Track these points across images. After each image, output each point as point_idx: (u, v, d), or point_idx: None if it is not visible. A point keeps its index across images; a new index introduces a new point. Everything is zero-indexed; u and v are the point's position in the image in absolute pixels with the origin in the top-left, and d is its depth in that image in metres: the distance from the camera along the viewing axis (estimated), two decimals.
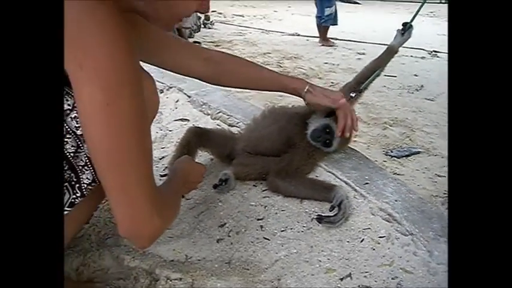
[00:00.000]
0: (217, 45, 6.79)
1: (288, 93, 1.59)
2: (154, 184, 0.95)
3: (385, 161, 3.20)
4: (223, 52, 1.62)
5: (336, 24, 7.09)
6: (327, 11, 6.92)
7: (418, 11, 1.94)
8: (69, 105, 0.92)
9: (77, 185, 0.97)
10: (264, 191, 1.61)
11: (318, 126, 1.58)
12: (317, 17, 7.00)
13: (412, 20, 1.94)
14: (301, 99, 1.56)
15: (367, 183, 1.57)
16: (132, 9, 0.99)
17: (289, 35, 7.90)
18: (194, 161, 1.46)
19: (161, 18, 1.03)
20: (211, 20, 8.32)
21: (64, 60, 0.81)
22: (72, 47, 0.80)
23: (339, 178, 1.61)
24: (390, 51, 1.93)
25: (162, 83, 2.72)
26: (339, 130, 1.55)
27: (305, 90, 1.53)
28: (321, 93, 1.55)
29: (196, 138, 1.72)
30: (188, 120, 2.27)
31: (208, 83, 1.56)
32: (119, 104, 0.84)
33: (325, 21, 6.98)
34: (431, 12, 11.21)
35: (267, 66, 5.83)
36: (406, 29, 1.91)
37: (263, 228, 1.43)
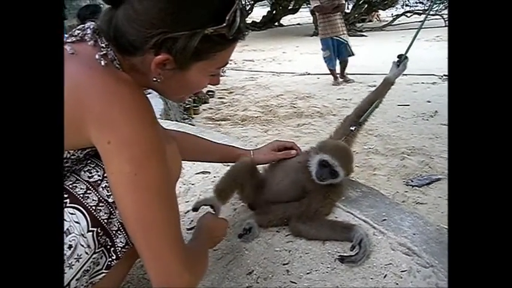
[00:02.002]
0: (230, 92, 6.98)
1: (231, 160, 1.82)
2: (183, 242, 1.02)
3: (406, 191, 3.22)
4: (181, 131, 1.78)
5: (352, 55, 7.27)
6: (324, 54, 7.23)
7: (412, 42, 1.92)
8: (99, 176, 1.01)
9: (112, 249, 1.04)
10: (287, 235, 1.66)
11: (316, 167, 1.62)
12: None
13: (407, 52, 1.93)
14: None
15: (384, 220, 1.61)
16: (146, 86, 1.08)
17: (300, 74, 8.07)
18: (217, 216, 1.53)
19: (175, 94, 1.14)
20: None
21: (93, 136, 0.92)
22: (97, 125, 0.90)
23: (357, 217, 1.66)
24: (386, 84, 1.92)
25: None
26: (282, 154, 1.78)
27: (251, 155, 1.78)
28: (262, 154, 1.80)
29: (245, 173, 1.75)
30: (209, 172, 2.35)
31: None
32: (146, 173, 0.92)
33: (327, 63, 7.32)
34: (438, 36, 11.31)
35: (281, 108, 5.97)
36: (402, 60, 1.90)
37: (289, 273, 1.47)
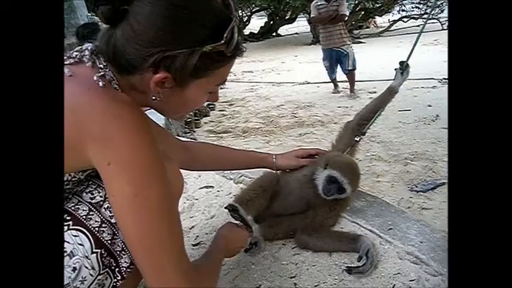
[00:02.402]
0: (231, 104, 6.99)
1: (260, 166, 1.81)
2: (187, 260, 1.01)
3: (411, 197, 3.20)
4: (200, 142, 1.80)
5: (354, 69, 6.76)
6: (324, 64, 7.02)
7: (412, 49, 1.95)
8: (101, 196, 1.01)
9: (117, 269, 1.03)
10: (293, 248, 1.65)
11: (323, 182, 1.60)
12: None
13: (408, 58, 1.94)
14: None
15: (391, 229, 1.61)
16: (145, 105, 1.08)
17: (300, 84, 8.07)
18: (237, 227, 1.50)
19: (174, 111, 1.14)
20: None
21: (92, 158, 0.91)
22: (97, 146, 0.89)
23: (363, 227, 1.65)
24: (391, 92, 1.92)
25: None
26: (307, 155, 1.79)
27: (273, 159, 1.76)
28: (286, 158, 1.79)
29: (273, 183, 1.75)
30: (213, 186, 2.35)
31: (185, 169, 1.61)
32: (147, 194, 0.92)
33: (327, 72, 7.05)
34: (435, 40, 11.33)
35: (282, 119, 5.94)
36: (404, 67, 1.91)
37: (297, 286, 1.46)
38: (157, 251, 0.95)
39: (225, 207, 1.60)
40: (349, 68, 6.67)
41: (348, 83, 6.98)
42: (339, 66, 6.84)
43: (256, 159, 1.78)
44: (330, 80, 7.20)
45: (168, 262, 0.95)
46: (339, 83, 7.19)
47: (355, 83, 6.93)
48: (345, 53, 6.63)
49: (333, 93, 7.12)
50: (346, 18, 6.79)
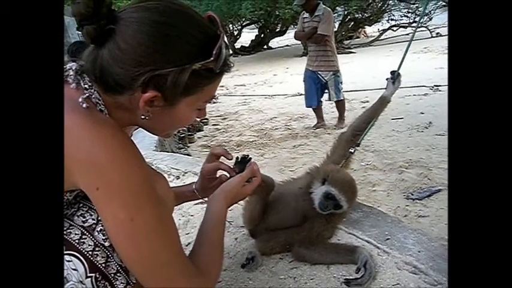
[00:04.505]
0: (224, 118, 7.00)
1: (188, 199, 1.64)
2: (191, 264, 1.03)
3: (407, 205, 3.20)
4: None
5: (329, 100, 5.67)
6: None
7: (403, 58, 1.96)
8: (93, 219, 0.99)
9: None
10: (290, 262, 1.64)
11: (321, 197, 1.59)
12: None
13: (399, 67, 1.96)
14: None
15: (388, 239, 1.59)
16: (133, 124, 1.08)
17: (292, 96, 8.09)
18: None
19: (163, 129, 1.14)
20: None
21: (80, 182, 0.90)
22: (83, 171, 0.88)
23: (360, 238, 1.64)
24: (383, 102, 1.93)
25: (177, 169, 2.82)
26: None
27: (194, 187, 1.56)
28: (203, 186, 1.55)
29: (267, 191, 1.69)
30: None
31: None
32: (141, 216, 0.91)
33: (305, 100, 5.86)
34: (425, 48, 11.47)
35: (276, 131, 5.93)
36: (395, 77, 1.93)
37: None
38: (162, 269, 0.96)
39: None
40: (333, 99, 5.62)
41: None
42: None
43: (183, 197, 1.61)
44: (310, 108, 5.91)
45: (174, 275, 0.98)
46: (322, 115, 5.88)
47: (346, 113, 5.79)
48: (324, 81, 5.52)
49: (312, 128, 5.71)
50: (327, 39, 5.37)
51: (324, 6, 5.47)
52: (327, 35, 5.33)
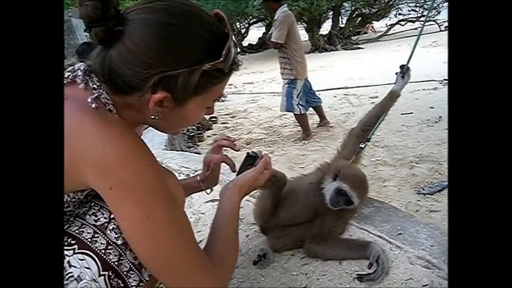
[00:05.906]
0: (233, 116, 6.99)
1: (195, 191, 1.65)
2: (204, 254, 1.04)
3: (419, 200, 3.18)
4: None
5: (283, 111, 5.36)
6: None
7: (412, 52, 1.95)
8: (105, 218, 1.00)
9: None
10: (302, 258, 1.64)
11: (332, 193, 1.59)
12: None
13: (408, 62, 1.95)
14: None
15: (400, 234, 1.59)
16: (142, 123, 1.09)
17: None
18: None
19: (171, 128, 1.15)
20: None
21: (91, 182, 0.90)
22: (95, 171, 0.88)
23: (372, 233, 1.63)
24: (393, 96, 1.92)
25: (187, 168, 2.83)
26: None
27: (199, 178, 1.59)
28: (206, 177, 1.58)
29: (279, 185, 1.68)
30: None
31: None
32: (156, 212, 0.92)
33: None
34: (434, 42, 11.37)
35: (285, 128, 5.87)
36: (405, 71, 1.92)
37: None
38: (178, 262, 0.97)
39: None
40: (280, 110, 5.35)
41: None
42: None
43: (190, 188, 1.61)
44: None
45: (191, 267, 0.99)
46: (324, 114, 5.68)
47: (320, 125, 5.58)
48: (282, 88, 5.22)
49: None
50: (283, 46, 4.97)
51: (284, 8, 5.02)
52: (277, 42, 4.92)
